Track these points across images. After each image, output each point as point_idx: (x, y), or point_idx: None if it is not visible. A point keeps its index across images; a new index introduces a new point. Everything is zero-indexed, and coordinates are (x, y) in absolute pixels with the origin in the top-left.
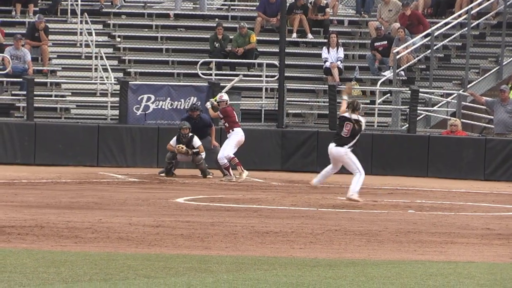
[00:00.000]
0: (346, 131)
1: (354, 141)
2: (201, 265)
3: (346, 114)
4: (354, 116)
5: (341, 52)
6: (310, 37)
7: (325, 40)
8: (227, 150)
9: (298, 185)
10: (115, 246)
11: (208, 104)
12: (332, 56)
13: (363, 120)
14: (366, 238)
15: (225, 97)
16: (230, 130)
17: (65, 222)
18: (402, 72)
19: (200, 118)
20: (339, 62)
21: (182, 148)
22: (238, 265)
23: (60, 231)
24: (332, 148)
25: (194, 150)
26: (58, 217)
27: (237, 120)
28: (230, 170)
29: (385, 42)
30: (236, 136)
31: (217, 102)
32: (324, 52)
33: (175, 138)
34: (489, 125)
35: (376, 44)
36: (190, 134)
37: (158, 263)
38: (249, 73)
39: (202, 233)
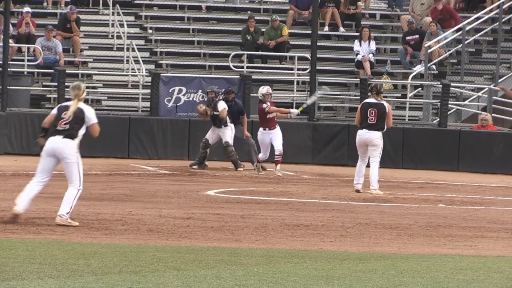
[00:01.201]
0: (371, 117)
1: (385, 126)
2: (231, 258)
3: (368, 100)
4: (375, 100)
5: (373, 46)
6: (342, 30)
7: (357, 34)
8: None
9: (329, 179)
10: (145, 238)
11: (295, 112)
12: (364, 49)
13: (385, 104)
14: (397, 232)
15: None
16: (273, 128)
17: (95, 214)
18: (434, 66)
19: (235, 102)
20: (370, 55)
21: (201, 107)
22: (268, 258)
23: (90, 223)
24: (366, 133)
25: (215, 113)
26: (88, 209)
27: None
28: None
29: (417, 36)
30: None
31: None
32: (356, 46)
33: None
34: None
35: (408, 38)
36: (218, 99)
37: (188, 255)
38: (280, 66)
39: (232, 226)
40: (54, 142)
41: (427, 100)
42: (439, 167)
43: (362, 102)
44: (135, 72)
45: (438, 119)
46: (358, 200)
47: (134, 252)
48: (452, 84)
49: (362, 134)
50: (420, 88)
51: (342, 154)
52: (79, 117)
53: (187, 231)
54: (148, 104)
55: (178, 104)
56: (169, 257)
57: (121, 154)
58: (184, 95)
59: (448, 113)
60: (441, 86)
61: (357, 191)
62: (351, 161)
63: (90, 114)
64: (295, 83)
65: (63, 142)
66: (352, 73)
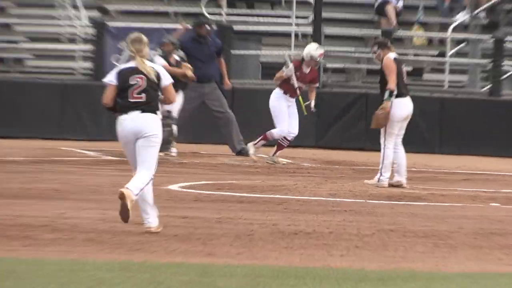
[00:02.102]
0: (405, 76)
1: None
2: (202, 279)
3: (394, 55)
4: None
5: None
6: None
7: None
8: None
9: (338, 168)
10: (82, 251)
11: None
12: None
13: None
14: (433, 242)
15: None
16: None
17: (14, 217)
18: (483, 14)
19: (212, 38)
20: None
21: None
22: (254, 279)
23: (6, 229)
24: (410, 102)
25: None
26: (4, 210)
27: None
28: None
29: None
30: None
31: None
32: None
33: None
34: None
35: None
36: (177, 57)
37: (142, 275)
38: (273, 13)
39: (204, 234)
40: (132, 120)
41: (474, 60)
42: (491, 152)
43: (394, 57)
44: (72, 22)
45: (490, 85)
46: (380, 197)
47: (67, 271)
48: (508, 38)
49: (409, 104)
50: (464, 44)
51: (357, 134)
52: (155, 79)
53: (140, 241)
54: (89, 65)
55: None
56: (116, 277)
57: (51, 134)
58: None
59: (503, 77)
60: (493, 40)
61: (400, 185)
62: (371, 144)
63: (165, 73)
64: (293, 36)
65: (144, 119)
66: (371, 23)
